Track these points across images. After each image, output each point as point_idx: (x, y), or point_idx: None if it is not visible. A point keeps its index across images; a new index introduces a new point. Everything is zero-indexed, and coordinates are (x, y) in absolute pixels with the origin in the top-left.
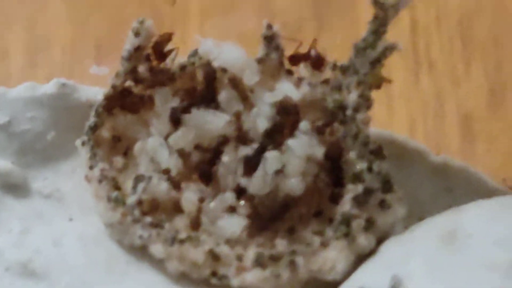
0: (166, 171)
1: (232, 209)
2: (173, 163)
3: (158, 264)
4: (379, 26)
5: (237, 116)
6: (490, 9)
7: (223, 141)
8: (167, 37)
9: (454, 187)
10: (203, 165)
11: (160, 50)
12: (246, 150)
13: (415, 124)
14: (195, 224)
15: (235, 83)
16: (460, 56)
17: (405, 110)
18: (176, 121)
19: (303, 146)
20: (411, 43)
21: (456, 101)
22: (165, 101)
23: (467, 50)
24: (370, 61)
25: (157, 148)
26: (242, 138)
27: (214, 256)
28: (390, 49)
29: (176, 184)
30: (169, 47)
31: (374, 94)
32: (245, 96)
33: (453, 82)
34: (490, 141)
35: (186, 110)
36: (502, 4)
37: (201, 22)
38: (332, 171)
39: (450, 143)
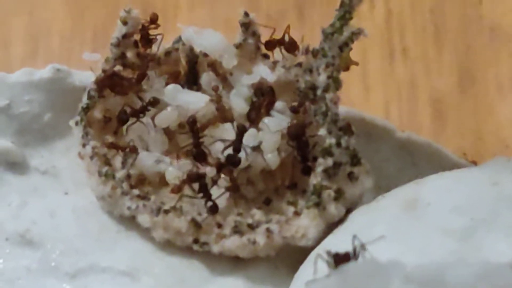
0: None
1: (213, 182)
2: (159, 141)
3: (145, 233)
4: (345, 12)
5: (218, 97)
6: None
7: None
8: (153, 18)
9: (418, 161)
10: (196, 147)
11: (146, 36)
12: (226, 127)
13: (390, 106)
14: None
15: (215, 66)
16: (432, 42)
17: (380, 94)
18: (123, 122)
19: (278, 124)
20: (386, 30)
21: (428, 84)
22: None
23: (439, 37)
24: (338, 45)
25: (144, 127)
26: (223, 116)
27: (196, 225)
28: (356, 34)
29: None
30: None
31: (351, 78)
32: (224, 79)
33: (425, 67)
34: (458, 121)
35: (134, 114)
36: None
37: (190, 12)
38: (299, 147)
39: (422, 124)
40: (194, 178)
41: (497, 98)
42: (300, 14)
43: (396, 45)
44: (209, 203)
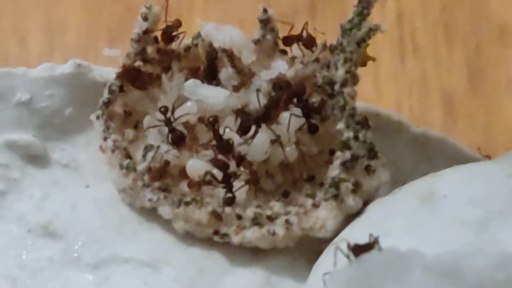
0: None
1: (233, 175)
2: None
3: (166, 224)
4: (364, 8)
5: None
6: None
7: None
8: (177, 24)
9: (433, 156)
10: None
11: (168, 35)
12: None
13: (402, 102)
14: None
15: (234, 62)
16: (442, 40)
17: (392, 91)
18: None
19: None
20: (397, 29)
21: (439, 81)
22: (171, 78)
23: (449, 35)
24: (356, 41)
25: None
26: (241, 111)
27: (216, 216)
28: (373, 30)
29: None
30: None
31: (363, 76)
32: (243, 74)
33: (436, 64)
34: (469, 117)
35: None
36: None
37: (204, 11)
38: (300, 106)
39: (433, 120)
40: (220, 165)
41: (507, 94)
42: (312, 12)
43: (407, 43)
44: (228, 194)
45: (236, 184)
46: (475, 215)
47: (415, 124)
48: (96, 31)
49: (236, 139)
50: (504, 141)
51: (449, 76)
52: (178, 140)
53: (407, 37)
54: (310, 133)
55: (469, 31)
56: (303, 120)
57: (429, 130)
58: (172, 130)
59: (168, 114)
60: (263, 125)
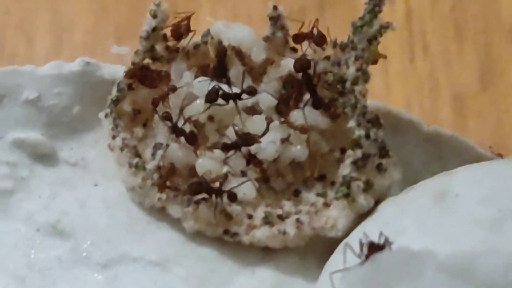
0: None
1: (243, 174)
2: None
3: (176, 223)
4: (375, 6)
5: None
6: None
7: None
8: (186, 20)
9: (445, 154)
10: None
11: (178, 32)
12: (255, 120)
13: (411, 101)
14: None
15: (244, 60)
16: (453, 38)
17: (402, 89)
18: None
19: (307, 116)
20: (407, 26)
21: (449, 80)
22: (180, 76)
23: (459, 33)
24: (367, 38)
25: (174, 118)
26: (251, 109)
27: (226, 216)
28: (385, 27)
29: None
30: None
31: (373, 74)
32: (253, 72)
33: (446, 62)
34: (480, 116)
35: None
36: None
37: (212, 9)
38: (305, 81)
39: (443, 118)
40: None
41: None
42: (321, 10)
43: (417, 42)
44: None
45: (247, 183)
46: (488, 214)
47: (425, 123)
48: (104, 29)
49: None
50: None
51: (460, 75)
52: (190, 140)
53: (417, 35)
54: (315, 108)
55: (479, 29)
56: (312, 117)
57: (441, 129)
58: (179, 134)
59: (174, 118)
60: (273, 124)
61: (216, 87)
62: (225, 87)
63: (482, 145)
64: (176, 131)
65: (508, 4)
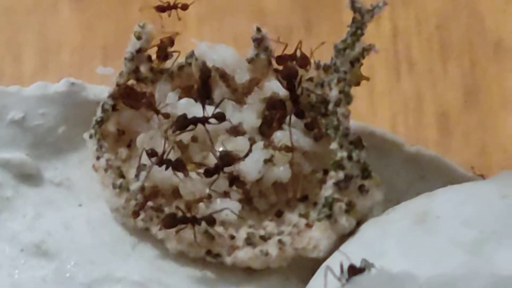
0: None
1: (226, 194)
2: (172, 154)
3: (159, 244)
4: (357, 28)
5: None
6: (465, 15)
7: None
8: (170, 40)
9: (427, 175)
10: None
11: (163, 52)
12: (239, 141)
13: (396, 120)
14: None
15: (228, 81)
16: (438, 57)
17: (387, 107)
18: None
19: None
20: (392, 45)
21: (434, 98)
22: (164, 97)
23: (444, 52)
24: (350, 61)
25: (157, 140)
26: (234, 130)
27: (209, 237)
28: (367, 49)
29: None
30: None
31: (359, 93)
32: (237, 93)
33: (431, 81)
34: (464, 135)
35: None
36: (476, 10)
37: (198, 26)
38: (289, 89)
39: (428, 137)
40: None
41: (503, 111)
42: (308, 30)
43: (402, 60)
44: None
45: (229, 204)
46: (469, 236)
47: (410, 142)
48: (90, 49)
49: None
50: (499, 159)
51: (444, 93)
52: (178, 168)
53: (402, 54)
54: (298, 118)
55: (464, 48)
56: (295, 138)
57: (423, 149)
58: (167, 166)
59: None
60: (256, 144)
61: (185, 113)
62: (209, 109)
63: (465, 164)
64: (163, 163)
65: (492, 24)
